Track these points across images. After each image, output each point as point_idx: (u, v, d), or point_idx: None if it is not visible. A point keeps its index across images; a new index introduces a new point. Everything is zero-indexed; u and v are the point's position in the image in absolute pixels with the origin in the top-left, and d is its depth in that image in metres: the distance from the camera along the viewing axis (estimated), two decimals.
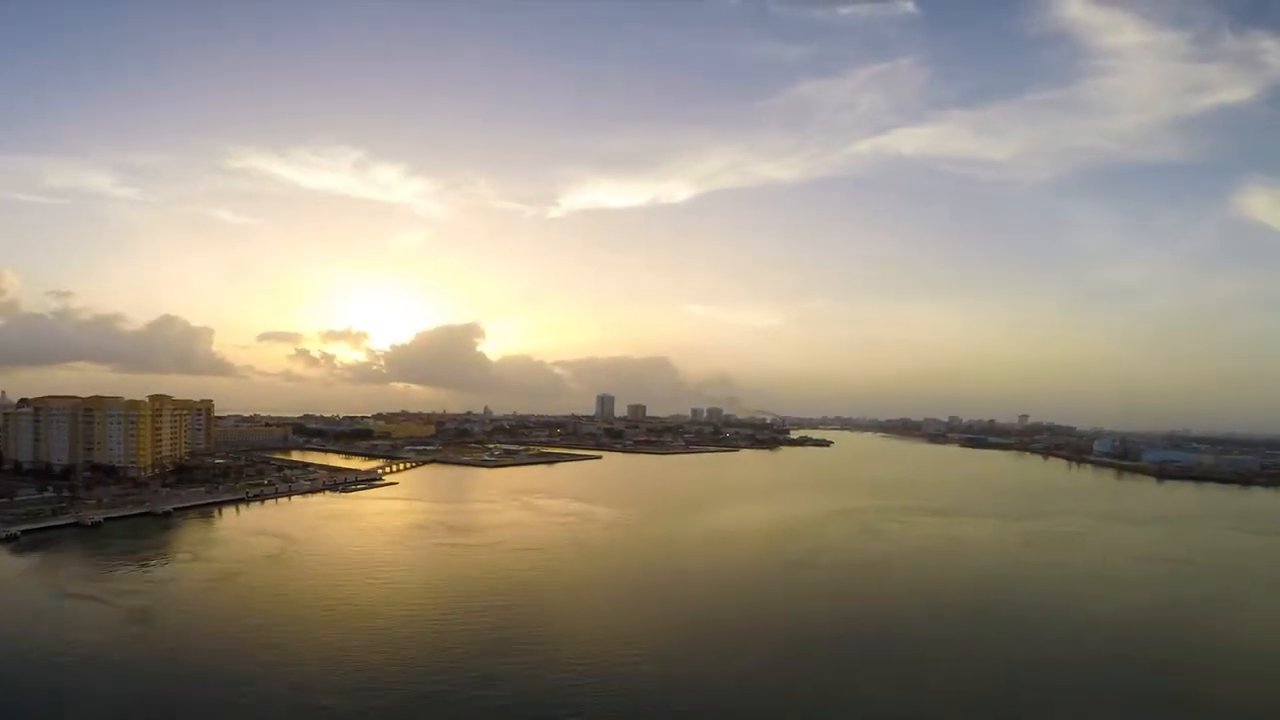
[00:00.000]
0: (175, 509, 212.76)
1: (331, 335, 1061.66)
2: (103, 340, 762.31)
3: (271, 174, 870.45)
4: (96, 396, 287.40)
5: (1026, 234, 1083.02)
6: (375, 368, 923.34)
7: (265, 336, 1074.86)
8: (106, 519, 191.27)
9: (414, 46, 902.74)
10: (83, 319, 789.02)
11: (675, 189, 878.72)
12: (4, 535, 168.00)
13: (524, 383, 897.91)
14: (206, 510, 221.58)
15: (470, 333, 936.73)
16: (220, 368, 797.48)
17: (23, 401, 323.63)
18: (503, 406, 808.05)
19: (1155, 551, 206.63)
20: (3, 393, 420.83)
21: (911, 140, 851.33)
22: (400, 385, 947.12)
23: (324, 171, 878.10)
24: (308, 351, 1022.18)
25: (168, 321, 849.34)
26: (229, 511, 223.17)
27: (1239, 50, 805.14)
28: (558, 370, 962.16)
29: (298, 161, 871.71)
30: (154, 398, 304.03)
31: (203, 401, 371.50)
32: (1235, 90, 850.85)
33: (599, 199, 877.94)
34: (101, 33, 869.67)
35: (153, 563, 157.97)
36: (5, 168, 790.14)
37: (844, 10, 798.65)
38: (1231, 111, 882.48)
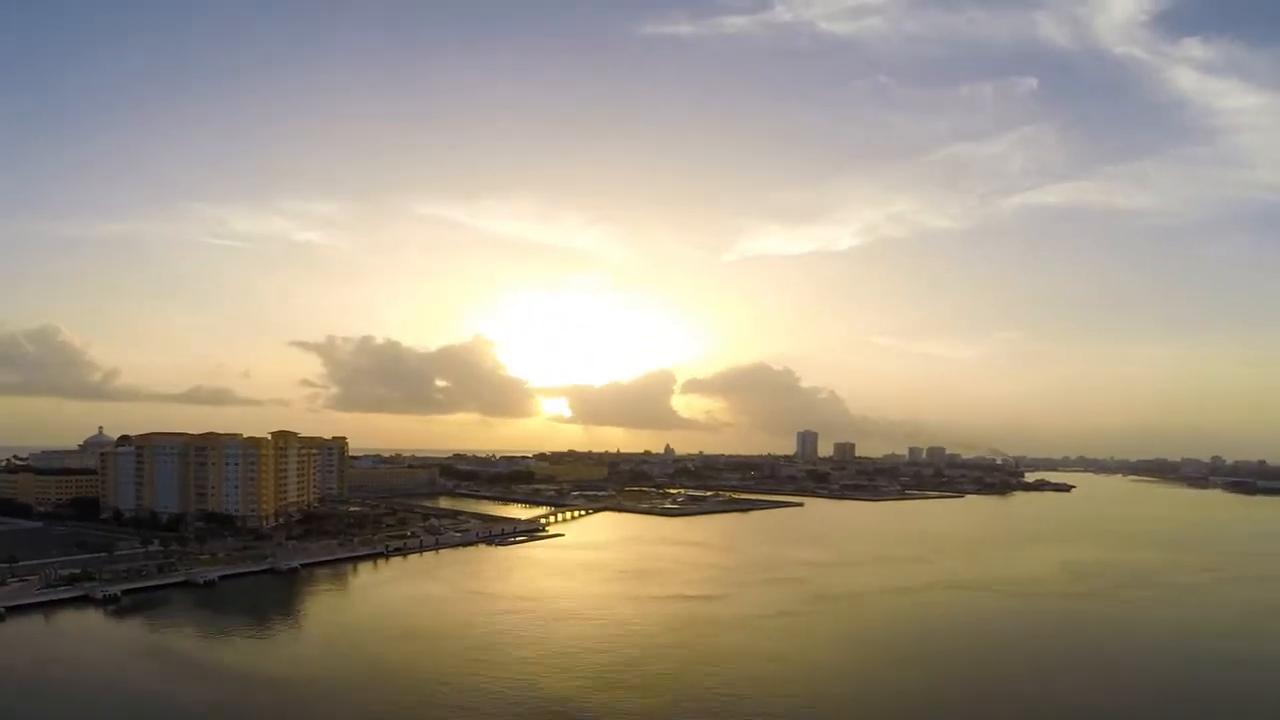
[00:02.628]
0: (302, 565, 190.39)
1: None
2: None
3: (456, 220, 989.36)
4: (210, 433, 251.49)
5: (1215, 274, 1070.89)
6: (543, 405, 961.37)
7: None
8: (221, 577, 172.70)
9: (597, 103, 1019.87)
10: None
11: (839, 237, 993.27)
12: (102, 596, 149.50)
13: (704, 419, 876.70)
14: (339, 567, 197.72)
15: (664, 379, 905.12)
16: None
17: (123, 439, 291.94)
18: (686, 445, 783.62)
19: None
20: (100, 429, 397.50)
21: (1060, 193, 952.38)
22: (569, 423, 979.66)
23: (507, 218, 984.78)
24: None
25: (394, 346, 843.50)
26: (365, 568, 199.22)
27: None
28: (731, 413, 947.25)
29: (483, 210, 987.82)
30: (277, 434, 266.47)
31: (334, 439, 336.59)
32: None
33: (769, 246, 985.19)
34: (293, 96, 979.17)
35: (276, 630, 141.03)
36: (193, 214, 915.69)
37: (964, 89, 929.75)
38: None
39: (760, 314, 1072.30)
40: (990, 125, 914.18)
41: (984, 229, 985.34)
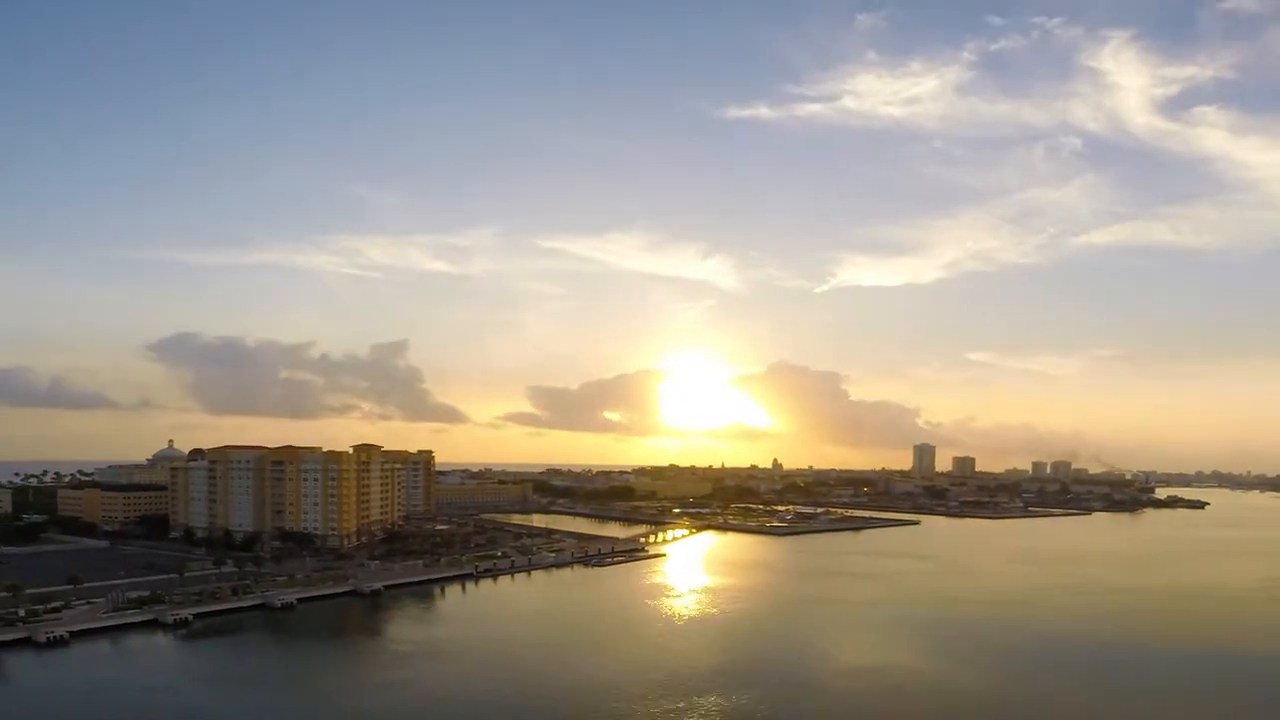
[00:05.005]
0: (385, 587, 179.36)
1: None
2: None
3: (580, 254, 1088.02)
4: (288, 446, 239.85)
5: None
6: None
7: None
8: (300, 600, 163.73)
9: (702, 155, 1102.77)
10: None
11: (926, 269, 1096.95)
12: (172, 620, 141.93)
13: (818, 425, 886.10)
14: (424, 590, 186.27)
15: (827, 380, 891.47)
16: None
17: (195, 453, 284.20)
18: (795, 459, 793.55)
19: None
20: (170, 443, 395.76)
21: (1125, 231, 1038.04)
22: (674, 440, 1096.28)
23: (628, 251, 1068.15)
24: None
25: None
26: (453, 590, 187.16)
27: None
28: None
29: (610, 242, 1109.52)
30: (359, 448, 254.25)
31: (420, 453, 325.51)
32: None
33: (860, 278, 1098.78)
34: (427, 141, 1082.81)
35: (357, 657, 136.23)
36: (333, 245, 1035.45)
37: (1018, 149, 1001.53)
38: None
39: (850, 336, 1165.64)
40: (1052, 176, 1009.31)
41: (1059, 263, 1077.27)
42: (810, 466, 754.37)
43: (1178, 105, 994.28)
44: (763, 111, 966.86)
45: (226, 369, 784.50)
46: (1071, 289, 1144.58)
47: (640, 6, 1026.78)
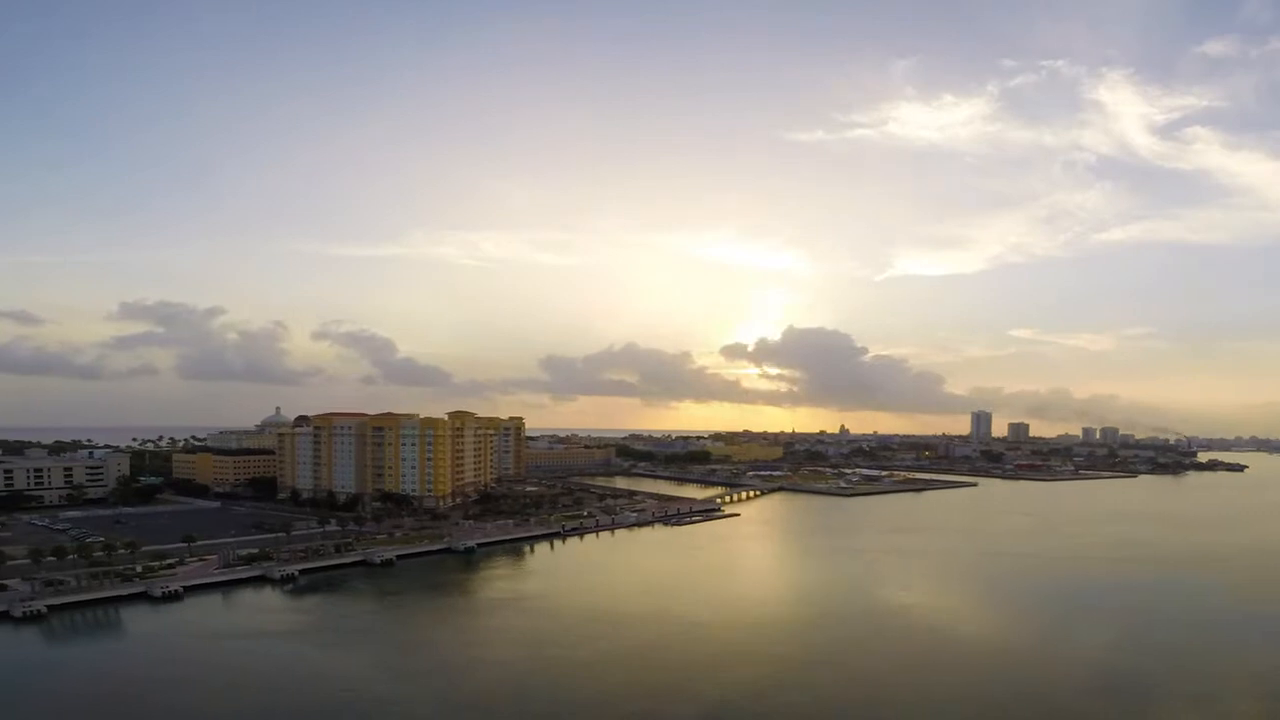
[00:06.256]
0: (479, 545, 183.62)
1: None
2: None
3: (676, 247, 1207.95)
4: (388, 414, 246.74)
5: None
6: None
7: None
8: (398, 556, 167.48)
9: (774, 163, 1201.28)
10: None
11: (970, 261, 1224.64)
12: (279, 576, 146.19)
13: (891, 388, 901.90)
14: (515, 547, 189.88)
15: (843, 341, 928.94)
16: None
17: (301, 419, 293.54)
18: (863, 425, 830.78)
19: None
20: (278, 409, 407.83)
21: (1143, 229, 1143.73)
22: (745, 406, 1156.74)
23: (719, 244, 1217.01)
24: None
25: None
26: (541, 548, 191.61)
27: None
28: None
29: (704, 238, 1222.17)
30: (454, 415, 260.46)
31: (511, 419, 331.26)
32: None
33: (912, 269, 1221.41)
34: (536, 147, 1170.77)
35: (453, 611, 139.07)
36: (451, 240, 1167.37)
37: (1040, 165, 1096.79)
38: None
39: (906, 316, 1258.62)
40: (1073, 184, 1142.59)
41: (1086, 255, 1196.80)
42: (875, 431, 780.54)
43: (1173, 128, 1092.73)
44: (820, 135, 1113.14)
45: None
46: (1098, 277, 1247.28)
47: (721, 58, 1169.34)
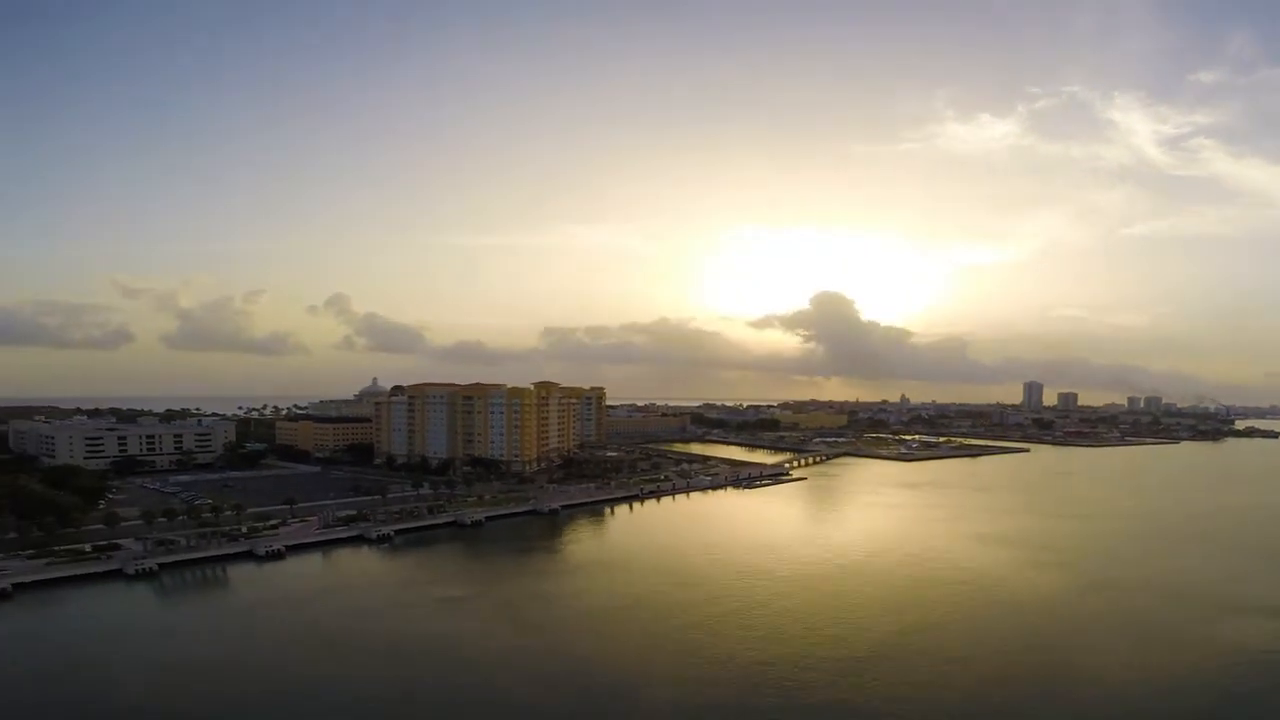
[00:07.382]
0: (562, 507, 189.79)
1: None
2: None
3: (766, 237, 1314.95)
4: (477, 384, 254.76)
5: None
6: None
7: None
8: (487, 518, 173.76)
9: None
10: None
11: (1012, 251, 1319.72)
12: (376, 536, 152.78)
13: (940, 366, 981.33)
14: (596, 509, 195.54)
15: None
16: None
17: (396, 389, 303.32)
18: (919, 395, 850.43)
19: None
20: (374, 380, 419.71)
21: (1168, 225, 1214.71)
22: (810, 378, 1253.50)
23: (804, 237, 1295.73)
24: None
25: None
26: (621, 510, 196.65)
27: None
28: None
29: (791, 232, 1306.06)
30: (539, 385, 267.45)
31: (592, 389, 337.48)
32: None
33: (959, 258, 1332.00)
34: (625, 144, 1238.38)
35: (539, 568, 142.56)
36: (546, 230, 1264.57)
37: (1071, 169, 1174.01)
38: None
39: (958, 298, 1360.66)
40: (1099, 187, 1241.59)
41: (1117, 245, 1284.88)
42: (933, 401, 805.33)
43: (1181, 140, 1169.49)
44: (877, 148, 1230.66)
45: None
46: (1130, 265, 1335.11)
47: (795, 84, 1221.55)
